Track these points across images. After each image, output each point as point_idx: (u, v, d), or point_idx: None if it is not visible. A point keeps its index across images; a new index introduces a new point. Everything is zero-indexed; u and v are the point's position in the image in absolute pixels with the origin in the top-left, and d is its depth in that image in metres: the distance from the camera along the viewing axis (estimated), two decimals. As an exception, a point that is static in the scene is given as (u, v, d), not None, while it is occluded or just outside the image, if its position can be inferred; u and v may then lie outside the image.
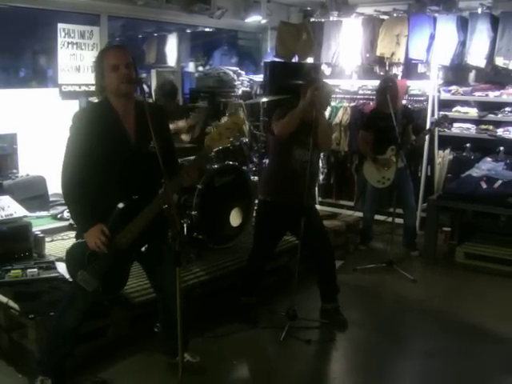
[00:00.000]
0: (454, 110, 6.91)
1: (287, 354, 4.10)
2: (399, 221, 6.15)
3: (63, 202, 5.62)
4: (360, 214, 6.67)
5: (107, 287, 3.21)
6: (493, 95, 6.68)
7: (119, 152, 3.15)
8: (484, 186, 5.87)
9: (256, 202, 5.58)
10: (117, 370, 3.71)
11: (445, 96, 6.94)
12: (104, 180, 3.17)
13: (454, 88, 6.94)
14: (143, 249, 3.25)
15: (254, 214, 5.12)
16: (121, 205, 3.14)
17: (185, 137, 6.07)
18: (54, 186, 5.67)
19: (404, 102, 6.82)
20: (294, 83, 6.30)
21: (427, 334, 4.45)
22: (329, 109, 7.48)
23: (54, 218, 5.68)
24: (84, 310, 3.34)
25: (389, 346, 4.25)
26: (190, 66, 10.22)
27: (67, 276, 3.95)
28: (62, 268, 4.29)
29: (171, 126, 5.76)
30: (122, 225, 3.13)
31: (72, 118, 3.18)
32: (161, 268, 3.42)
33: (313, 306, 4.62)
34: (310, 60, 7.75)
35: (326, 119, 4.29)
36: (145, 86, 3.09)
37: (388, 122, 5.52)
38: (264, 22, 8.25)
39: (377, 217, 6.62)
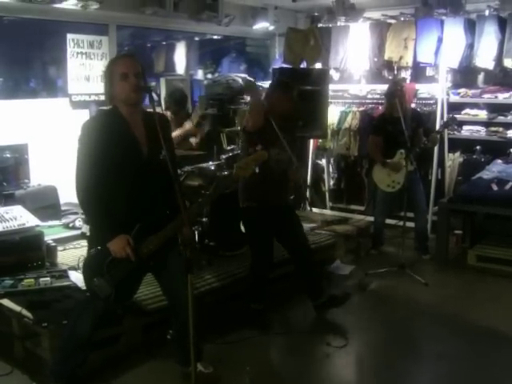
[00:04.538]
0: (463, 112, 6.91)
1: (299, 359, 4.10)
2: (410, 224, 6.13)
3: (75, 211, 5.73)
4: (371, 219, 6.67)
5: (119, 295, 3.22)
6: (502, 97, 6.67)
7: (131, 160, 3.16)
8: (495, 188, 5.84)
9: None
10: (129, 378, 3.72)
11: (454, 99, 6.94)
12: (116, 189, 3.17)
13: (462, 91, 6.94)
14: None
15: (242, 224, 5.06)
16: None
17: (193, 139, 6.10)
18: (66, 196, 5.72)
19: (413, 105, 6.81)
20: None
21: (439, 338, 4.42)
22: (338, 114, 7.52)
23: (66, 227, 5.72)
24: (96, 318, 3.35)
25: (401, 350, 4.23)
26: (199, 74, 10.25)
27: (80, 285, 3.99)
28: (74, 277, 4.33)
29: (179, 132, 5.83)
30: (140, 237, 3.17)
31: (82, 127, 3.18)
32: (170, 276, 3.40)
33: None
34: (318, 65, 7.77)
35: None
36: (154, 95, 3.09)
37: (397, 126, 5.51)
38: (272, 28, 8.30)
39: (388, 221, 6.60)
